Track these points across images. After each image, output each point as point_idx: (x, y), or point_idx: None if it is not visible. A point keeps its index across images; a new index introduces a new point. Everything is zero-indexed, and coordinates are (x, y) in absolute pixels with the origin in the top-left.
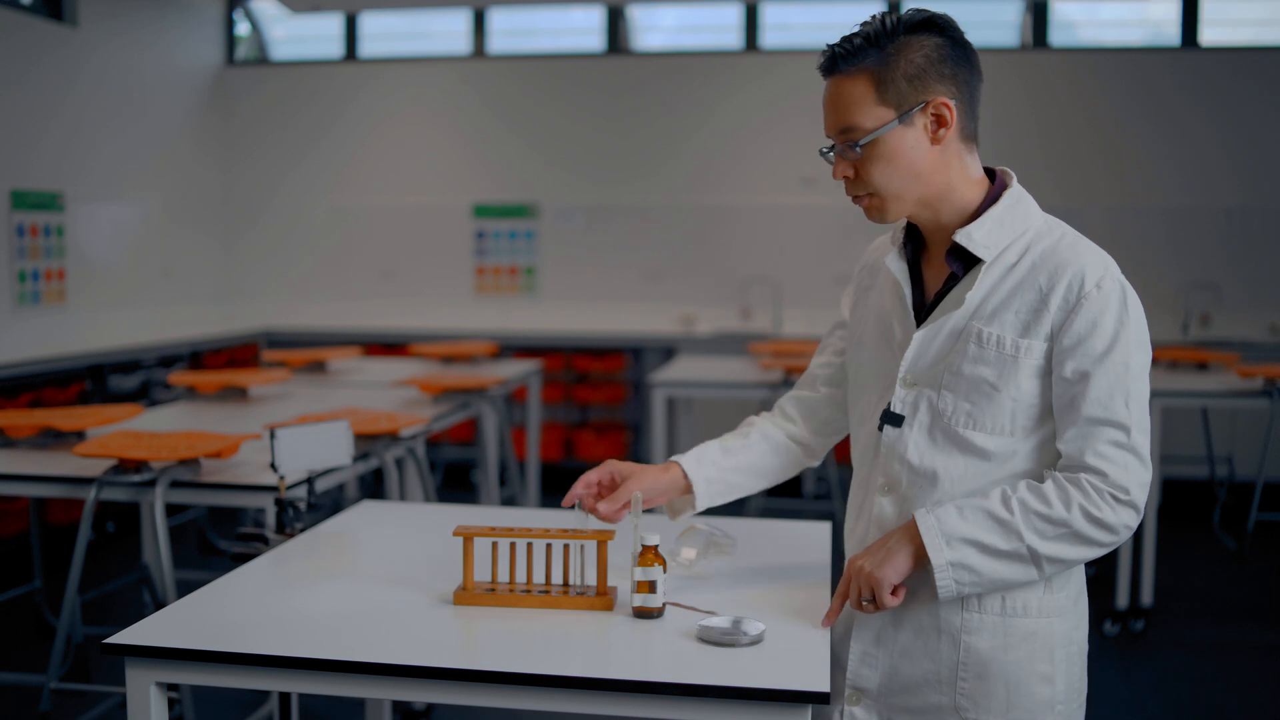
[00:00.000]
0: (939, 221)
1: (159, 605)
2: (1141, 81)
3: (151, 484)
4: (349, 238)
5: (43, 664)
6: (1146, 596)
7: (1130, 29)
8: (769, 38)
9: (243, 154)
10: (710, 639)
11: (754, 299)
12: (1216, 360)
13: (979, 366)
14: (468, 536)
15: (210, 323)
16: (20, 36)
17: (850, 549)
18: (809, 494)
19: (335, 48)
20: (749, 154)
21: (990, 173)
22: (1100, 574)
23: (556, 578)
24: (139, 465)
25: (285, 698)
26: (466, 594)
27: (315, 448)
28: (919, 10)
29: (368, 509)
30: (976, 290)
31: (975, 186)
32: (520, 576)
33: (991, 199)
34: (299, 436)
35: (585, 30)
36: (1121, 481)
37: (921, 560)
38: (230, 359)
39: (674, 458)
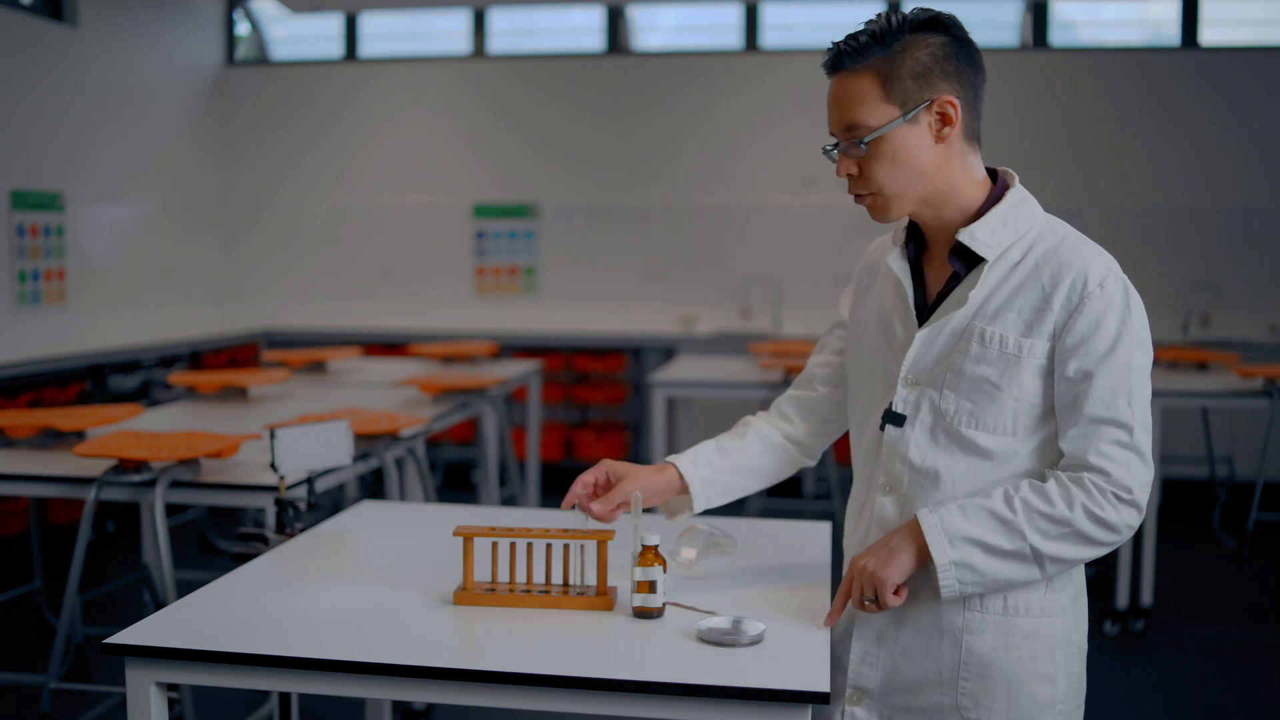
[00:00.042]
0: (941, 221)
1: (159, 605)
2: (1141, 81)
3: (151, 484)
4: (349, 238)
5: (43, 664)
6: (1146, 596)
7: (1130, 29)
8: (769, 38)
9: (243, 154)
10: (710, 639)
11: (754, 299)
12: (1216, 360)
13: (981, 366)
14: (468, 536)
15: (210, 323)
16: (20, 36)
17: (851, 549)
18: (809, 494)
19: (335, 48)
20: (749, 154)
21: (992, 173)
22: (1100, 574)
23: (556, 578)
24: (139, 465)
25: (285, 698)
26: (466, 594)
27: (315, 448)
28: (924, 9)
29: (368, 509)
30: (979, 289)
31: (978, 186)
32: (520, 576)
33: (994, 199)
34: (299, 436)
35: (585, 30)
36: (1124, 481)
37: (924, 560)
38: (230, 359)
39: (669, 458)
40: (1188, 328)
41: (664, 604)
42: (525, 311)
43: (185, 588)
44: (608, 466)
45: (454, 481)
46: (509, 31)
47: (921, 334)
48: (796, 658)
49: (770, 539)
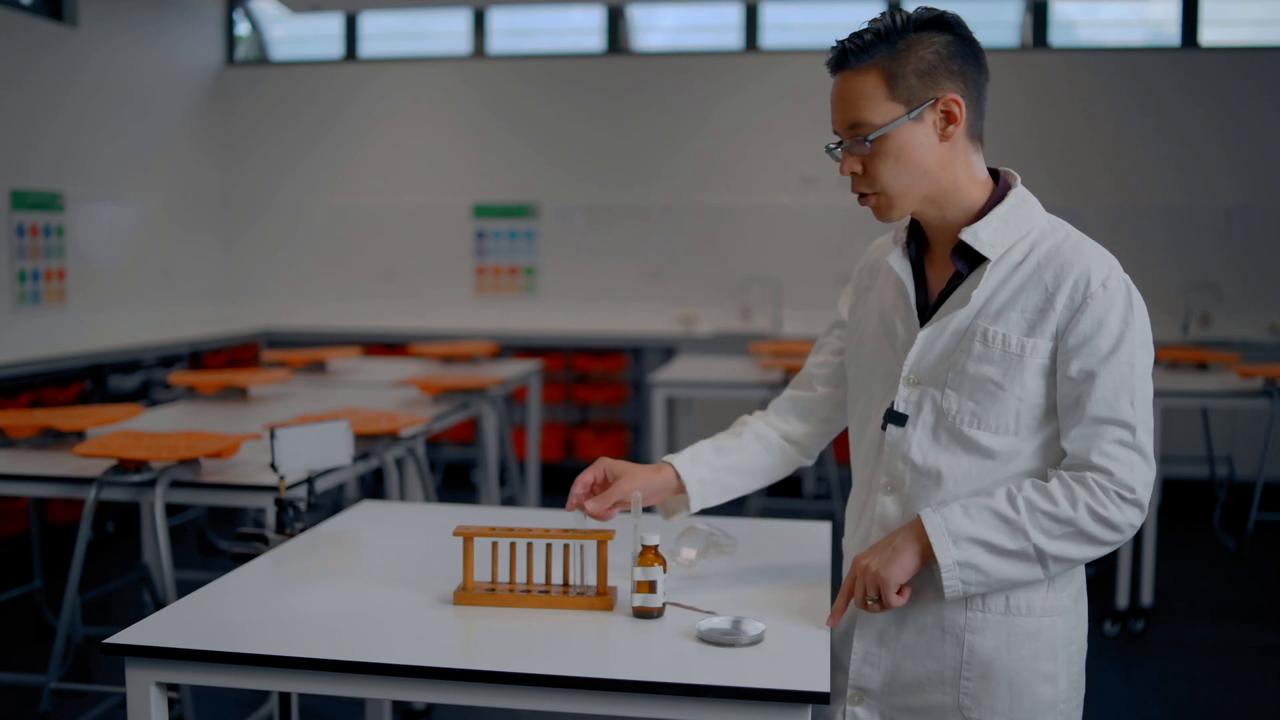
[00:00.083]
0: (944, 220)
1: (159, 605)
2: (1141, 81)
3: (151, 484)
4: (349, 238)
5: (43, 664)
6: (1146, 596)
7: (1130, 29)
8: (769, 38)
9: (243, 154)
10: (710, 639)
11: (754, 299)
12: (1216, 360)
13: (984, 365)
14: (468, 536)
15: (210, 323)
16: (20, 36)
17: (852, 549)
18: (809, 494)
19: (335, 48)
20: (749, 154)
21: (994, 174)
22: (1100, 574)
23: (556, 578)
24: (139, 465)
25: (285, 698)
26: (466, 594)
27: (315, 448)
28: (928, 9)
29: (368, 509)
30: (982, 289)
31: (980, 186)
32: (520, 576)
33: (996, 198)
34: (299, 436)
35: (585, 30)
36: (1127, 480)
37: (928, 559)
38: (230, 359)
39: (666, 458)
40: (1188, 328)
41: (664, 604)
42: (525, 311)
43: (185, 588)
44: (605, 465)
45: (454, 481)
46: (509, 31)
47: (924, 333)
48: (796, 658)
49: (770, 539)
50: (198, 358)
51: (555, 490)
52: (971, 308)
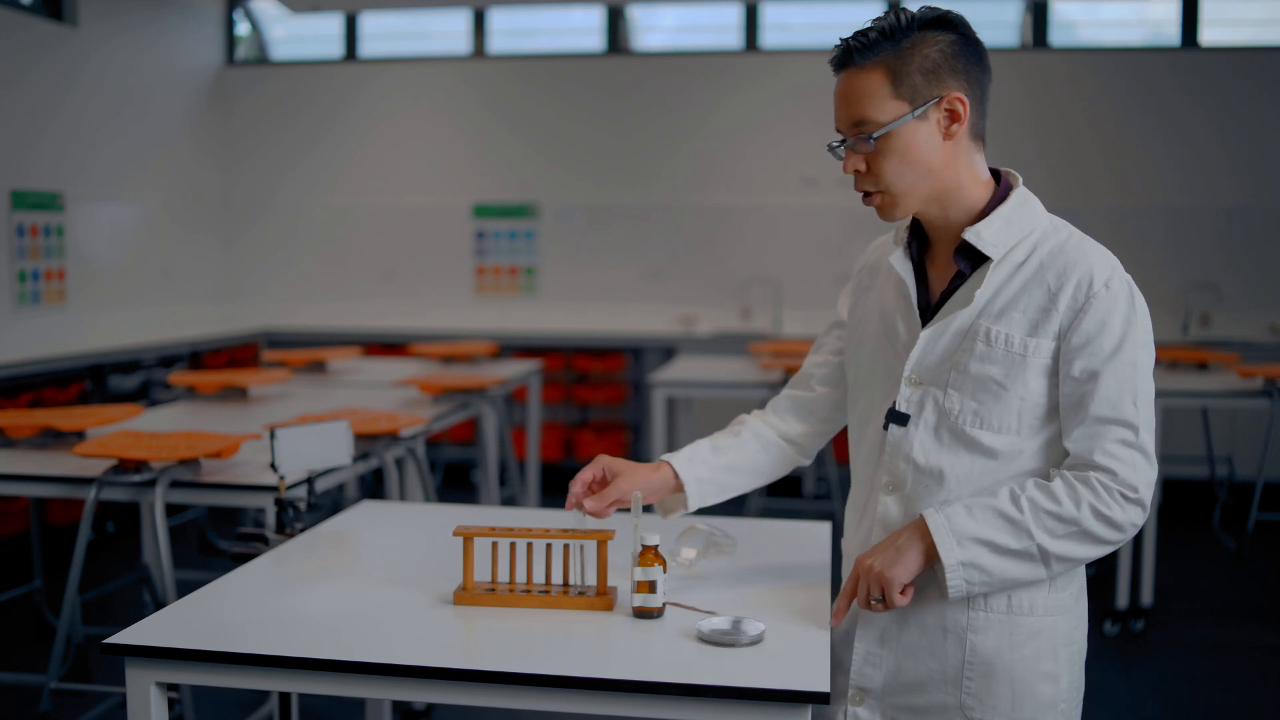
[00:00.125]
0: (947, 219)
1: (159, 605)
2: (1141, 81)
3: (151, 484)
4: (349, 238)
5: (43, 664)
6: (1146, 596)
7: (1130, 29)
8: (769, 38)
9: (243, 154)
10: (710, 639)
11: (754, 299)
12: (1216, 360)
13: (986, 365)
14: (468, 536)
15: (210, 323)
16: (20, 36)
17: (853, 549)
18: (809, 494)
19: (335, 48)
20: (749, 154)
21: (995, 175)
22: (1100, 574)
23: (556, 578)
24: (139, 465)
25: (285, 698)
26: (466, 594)
27: (315, 448)
28: (931, 8)
29: (368, 509)
30: (985, 289)
31: (983, 186)
32: (520, 576)
33: (999, 198)
34: (299, 436)
35: (585, 30)
36: (1130, 480)
37: (931, 559)
38: (230, 359)
39: (665, 456)
40: (1188, 328)
41: (664, 604)
42: (525, 311)
43: (185, 588)
44: (604, 463)
45: (454, 481)
46: (509, 31)
47: (926, 333)
48: (796, 658)
49: (770, 539)
50: (198, 358)
51: (555, 490)
52: (974, 307)
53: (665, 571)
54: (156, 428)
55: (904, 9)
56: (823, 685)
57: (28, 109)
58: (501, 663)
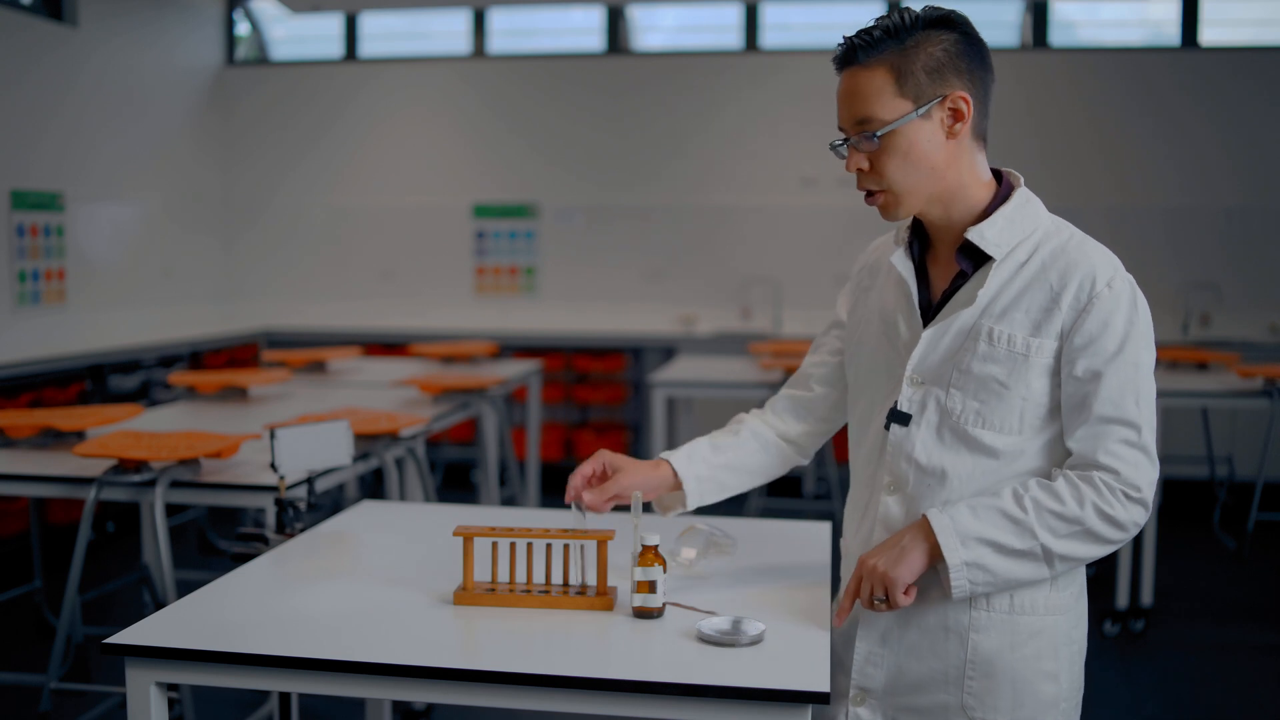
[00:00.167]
0: (949, 219)
1: (159, 605)
2: (1141, 81)
3: (151, 484)
4: (349, 238)
5: (43, 664)
6: (1146, 596)
7: (1130, 29)
8: (769, 38)
9: (243, 154)
10: (710, 639)
11: (754, 299)
12: (1216, 360)
13: (989, 365)
14: (468, 536)
15: (210, 323)
16: (20, 36)
17: (853, 549)
18: (809, 494)
19: (335, 48)
20: (749, 154)
21: (996, 175)
22: (1100, 574)
23: (556, 578)
24: (139, 465)
25: (285, 698)
26: (466, 594)
27: (315, 448)
28: (934, 7)
29: (368, 509)
30: (988, 288)
31: (984, 187)
32: (520, 576)
33: (1001, 198)
34: (299, 436)
35: (585, 30)
36: (1133, 479)
37: (935, 560)
38: (230, 359)
39: (664, 454)
40: (1188, 328)
41: (664, 604)
42: (525, 311)
43: (185, 588)
44: (605, 458)
45: (454, 481)
46: (509, 31)
47: (928, 333)
48: (796, 658)
49: (770, 539)
50: (198, 358)
51: (555, 490)
52: (977, 307)
53: (665, 571)
54: (156, 428)
55: (908, 8)
56: (823, 685)
57: (28, 109)
58: (501, 663)
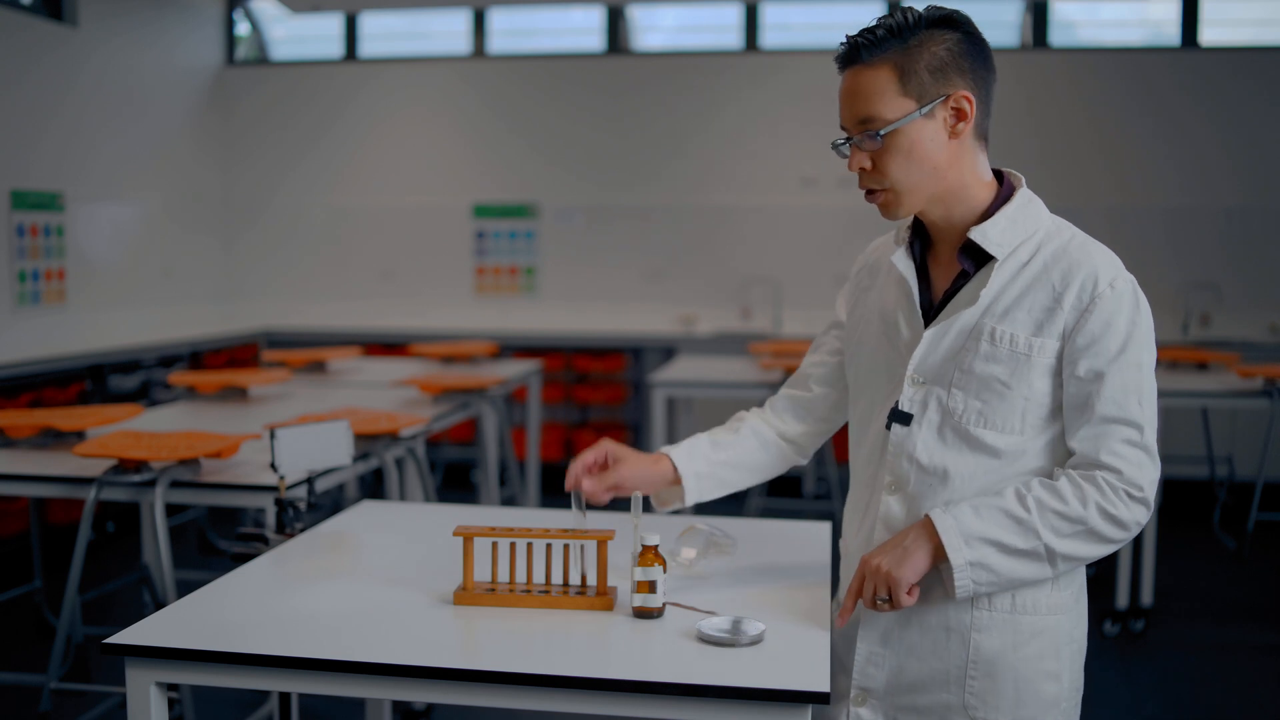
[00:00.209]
0: (950, 219)
1: (159, 605)
2: (1141, 81)
3: (151, 484)
4: (349, 238)
5: (43, 664)
6: (1146, 596)
7: (1130, 29)
8: (769, 38)
9: (243, 154)
10: (710, 639)
11: (754, 299)
12: (1216, 360)
13: (991, 365)
14: (468, 536)
15: (210, 323)
16: (20, 36)
17: (854, 549)
18: (809, 494)
19: (335, 48)
20: (749, 154)
21: (997, 175)
22: (1100, 574)
23: (556, 578)
24: (139, 465)
25: (285, 698)
26: (466, 594)
27: (315, 448)
28: (937, 7)
29: (368, 509)
30: (990, 288)
31: (986, 187)
32: (520, 576)
33: (1003, 199)
34: (299, 436)
35: (585, 30)
36: (1136, 479)
37: (938, 559)
38: (230, 359)
39: (664, 449)
40: (1188, 328)
41: (664, 604)
42: (525, 311)
43: (185, 588)
44: (607, 448)
45: (454, 481)
46: (509, 31)
47: (930, 332)
48: (796, 658)
49: (770, 539)
50: (198, 358)
51: (555, 490)
52: (979, 307)
53: (665, 571)
54: (156, 428)
55: (910, 8)
56: (823, 685)
57: (28, 109)
58: (501, 663)
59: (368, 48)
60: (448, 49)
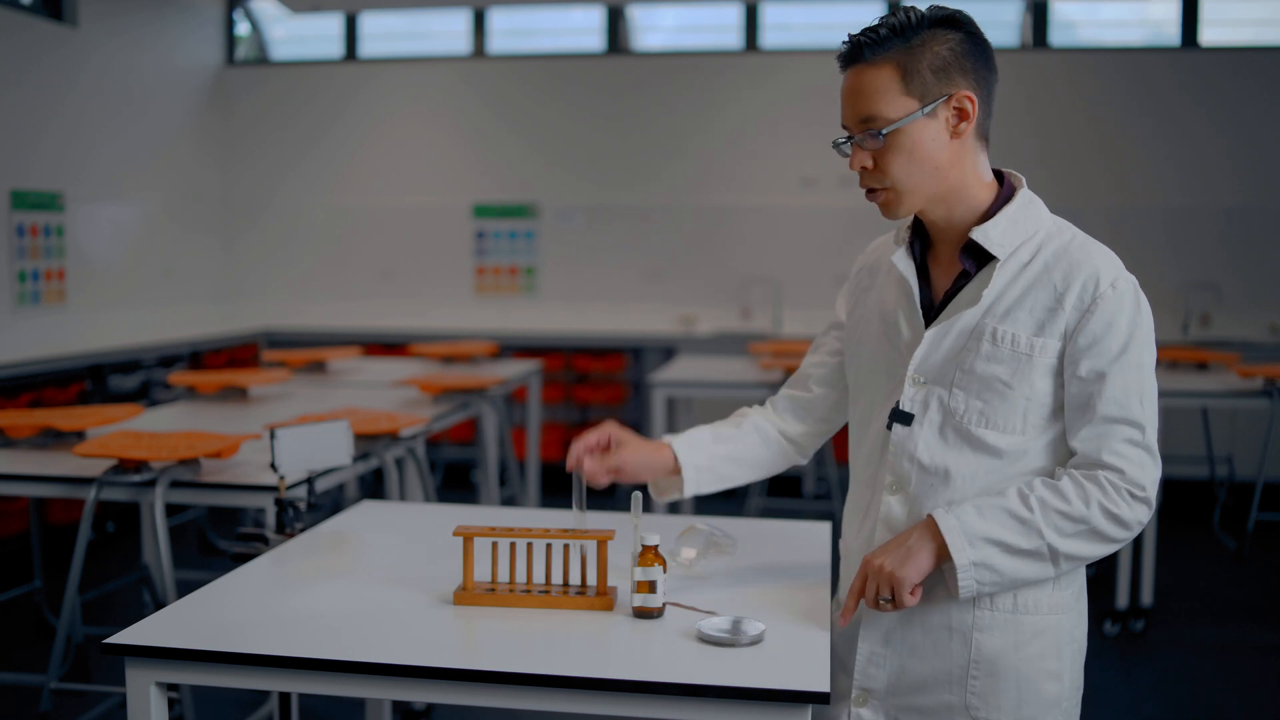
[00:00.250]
0: (951, 219)
1: (159, 605)
2: (1141, 81)
3: (151, 484)
4: (349, 238)
5: (43, 664)
6: (1146, 596)
7: (1130, 29)
8: (769, 38)
9: (243, 154)
10: (710, 639)
11: (754, 299)
12: (1216, 360)
13: (992, 365)
14: (468, 536)
15: (210, 323)
16: (20, 36)
17: (854, 550)
18: (809, 494)
19: (335, 48)
20: (749, 154)
21: (997, 176)
22: (1100, 574)
23: (556, 578)
24: (139, 465)
25: (285, 698)
26: (466, 594)
27: (315, 448)
28: (940, 7)
29: (368, 509)
30: (992, 288)
31: (986, 187)
32: (520, 576)
33: (1004, 199)
34: (299, 436)
35: (585, 30)
36: (1138, 479)
37: (942, 560)
38: (230, 359)
39: (666, 437)
40: (1188, 328)
41: (664, 604)
42: (525, 311)
43: (185, 588)
44: (611, 430)
45: (454, 481)
46: (509, 31)
47: (931, 332)
48: (796, 658)
49: (770, 539)
50: (198, 358)
51: (555, 490)
52: (980, 307)
53: (665, 571)
54: (156, 428)
55: (913, 7)
56: (823, 685)
57: (28, 109)
58: (501, 663)
59: (368, 48)
60: (448, 49)
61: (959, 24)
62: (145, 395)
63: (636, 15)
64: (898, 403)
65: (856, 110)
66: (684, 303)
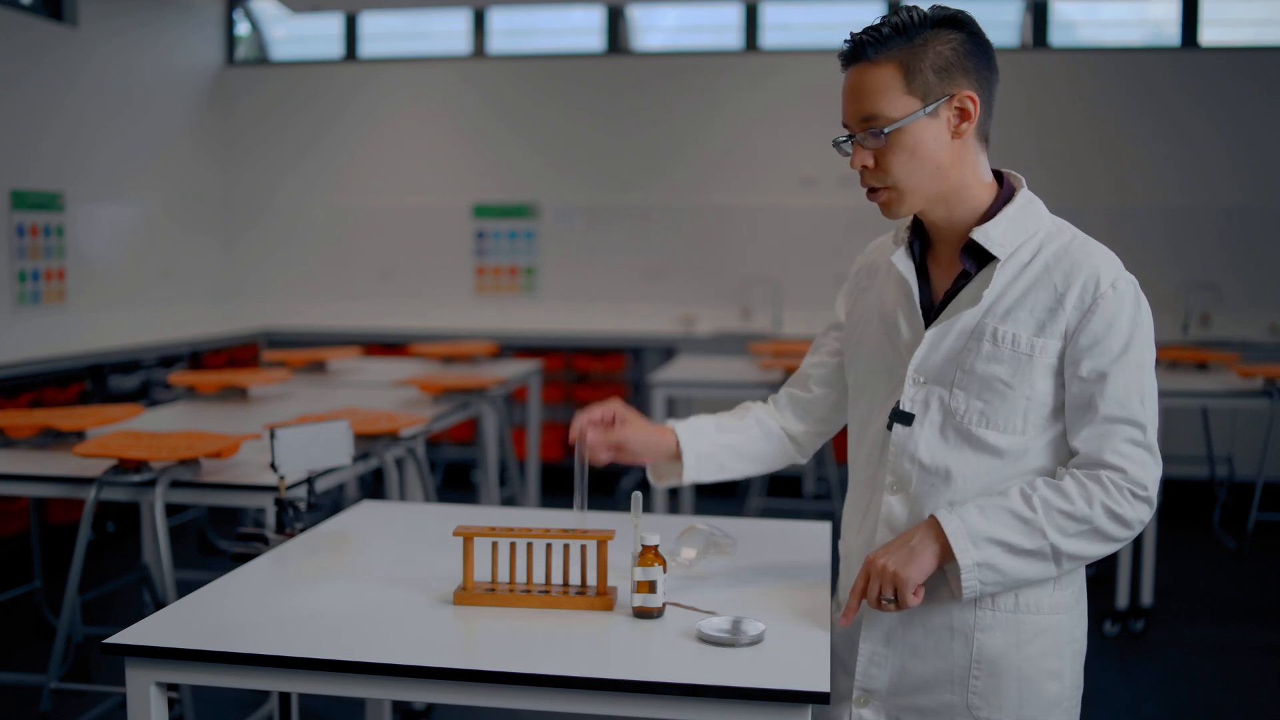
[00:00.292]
0: (951, 220)
1: (159, 605)
2: (1141, 81)
3: (151, 484)
4: (349, 238)
5: (43, 664)
6: (1146, 596)
7: (1130, 29)
8: (769, 38)
9: (243, 154)
10: (710, 639)
11: (754, 299)
12: (1216, 360)
13: (993, 365)
14: (468, 536)
15: (210, 323)
16: (20, 36)
17: (855, 550)
18: (809, 494)
19: (335, 48)
20: (749, 154)
21: (997, 176)
22: (1100, 574)
23: (556, 578)
24: (139, 465)
25: (285, 698)
26: (466, 594)
27: (315, 448)
28: (941, 6)
29: (368, 509)
30: (993, 288)
31: (986, 188)
32: (520, 576)
33: (1004, 199)
34: (299, 436)
35: (585, 30)
36: (1140, 478)
37: (945, 560)
38: (230, 359)
39: (670, 422)
40: (1188, 328)
41: (664, 604)
42: (525, 311)
43: (185, 588)
44: (615, 408)
45: (454, 481)
46: (509, 31)
47: (931, 332)
48: (796, 658)
49: (770, 539)
50: (198, 358)
51: (555, 490)
52: (980, 307)
53: (665, 571)
54: (156, 428)
55: (915, 7)
56: (823, 685)
57: (28, 109)
58: (501, 663)
59: (368, 48)
60: (448, 49)
61: (961, 24)
62: (145, 395)
63: (636, 15)
64: (898, 403)
65: (858, 109)
66: (684, 303)
